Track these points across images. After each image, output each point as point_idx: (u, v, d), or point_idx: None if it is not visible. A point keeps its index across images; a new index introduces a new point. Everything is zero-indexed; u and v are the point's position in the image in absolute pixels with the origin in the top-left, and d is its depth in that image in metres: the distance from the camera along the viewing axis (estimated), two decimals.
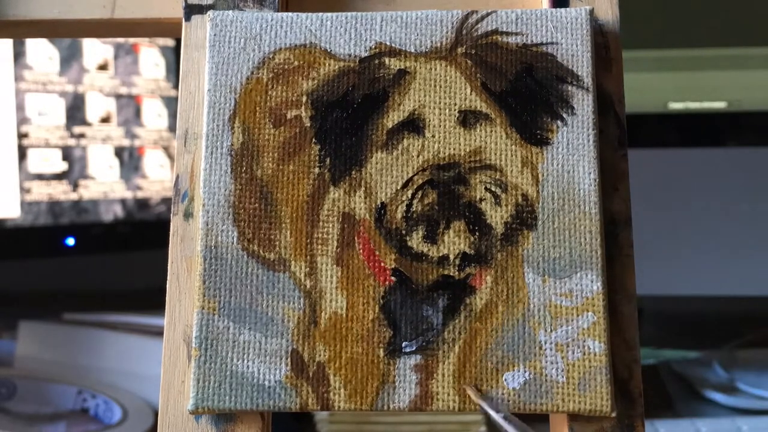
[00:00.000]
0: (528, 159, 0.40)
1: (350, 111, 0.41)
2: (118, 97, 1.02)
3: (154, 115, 1.04)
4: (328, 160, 0.40)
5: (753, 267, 1.05)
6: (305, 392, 0.38)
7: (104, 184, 1.00)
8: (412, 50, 0.41)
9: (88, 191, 0.99)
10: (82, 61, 0.99)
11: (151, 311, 0.88)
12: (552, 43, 0.41)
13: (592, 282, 0.39)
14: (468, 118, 0.40)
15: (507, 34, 0.41)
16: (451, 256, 0.39)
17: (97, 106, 1.00)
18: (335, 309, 0.39)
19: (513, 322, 0.39)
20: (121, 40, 1.01)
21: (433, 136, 0.40)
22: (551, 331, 0.39)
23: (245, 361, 0.39)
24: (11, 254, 0.97)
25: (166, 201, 1.04)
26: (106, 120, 1.00)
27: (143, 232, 1.03)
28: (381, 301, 0.39)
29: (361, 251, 0.40)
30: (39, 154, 0.95)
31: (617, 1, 0.43)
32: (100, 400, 0.80)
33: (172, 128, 1.05)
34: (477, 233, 0.39)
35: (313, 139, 0.41)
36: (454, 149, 0.40)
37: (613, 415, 0.38)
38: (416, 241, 0.39)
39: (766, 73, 0.99)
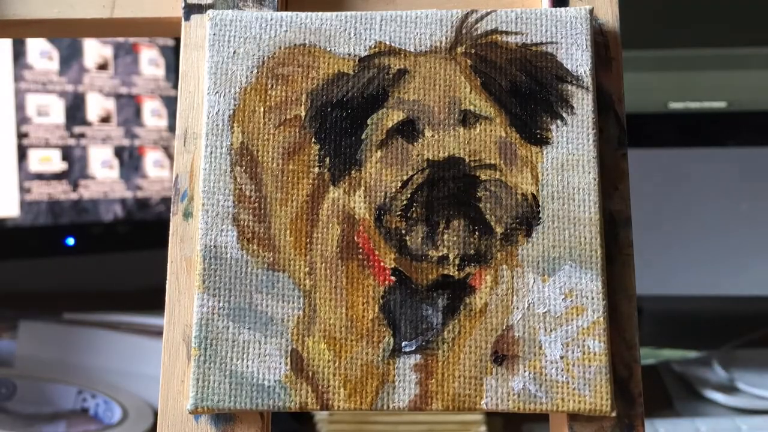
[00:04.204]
0: (528, 158, 0.40)
1: (350, 110, 0.41)
2: (118, 96, 1.02)
3: (154, 115, 1.04)
4: (327, 159, 0.40)
5: (753, 267, 1.05)
6: (305, 392, 0.38)
7: (104, 183, 1.00)
8: (412, 49, 0.41)
9: (88, 191, 0.99)
10: (82, 60, 0.99)
11: (151, 311, 0.88)
12: (552, 43, 0.41)
13: (591, 281, 0.39)
14: (468, 118, 0.40)
15: (507, 33, 0.41)
16: (451, 256, 0.39)
17: (97, 105, 1.00)
18: (335, 309, 0.39)
19: (512, 322, 0.39)
20: (121, 39, 1.01)
21: (433, 136, 0.40)
22: (551, 330, 0.39)
23: (245, 361, 0.39)
24: (11, 254, 0.97)
25: (166, 201, 1.04)
26: (106, 120, 1.00)
27: (143, 231, 1.03)
28: (380, 300, 0.39)
29: (360, 251, 0.40)
30: (39, 154, 0.95)
31: (617, 0, 0.43)
32: (100, 400, 0.80)
33: (172, 128, 1.05)
34: (477, 233, 0.39)
35: (313, 139, 0.41)
36: (453, 149, 0.40)
37: (613, 414, 0.38)
38: (416, 240, 0.39)
39: (766, 73, 0.99)
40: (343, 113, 0.41)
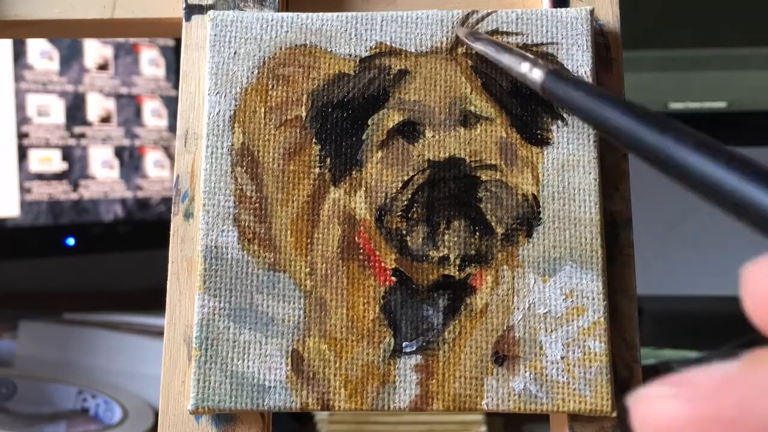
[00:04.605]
0: (528, 159, 0.40)
1: (350, 111, 0.41)
2: (118, 97, 1.02)
3: (155, 115, 1.04)
4: (328, 160, 0.40)
5: None
6: (305, 392, 0.38)
7: (104, 184, 1.00)
8: (413, 50, 0.41)
9: (88, 191, 0.99)
10: (82, 61, 0.99)
11: (151, 311, 0.88)
12: (552, 43, 0.41)
13: (592, 282, 0.39)
14: (468, 118, 0.40)
15: (507, 34, 0.41)
16: (452, 256, 0.39)
17: (97, 106, 1.00)
18: (335, 309, 0.39)
19: (513, 322, 0.39)
20: (121, 40, 1.01)
21: (434, 136, 0.40)
22: (552, 331, 0.39)
23: (245, 361, 0.39)
24: (11, 254, 0.97)
25: (166, 201, 1.04)
26: (106, 120, 1.01)
27: (143, 232, 1.03)
28: (381, 301, 0.39)
29: (361, 251, 0.40)
30: (39, 154, 0.95)
31: (617, 1, 0.43)
32: (100, 400, 0.80)
33: (172, 128, 1.05)
34: (477, 233, 0.39)
35: (314, 139, 0.41)
36: (454, 149, 0.40)
37: (614, 415, 0.38)
38: (416, 241, 0.39)
39: (766, 73, 0.99)
40: (344, 114, 0.41)
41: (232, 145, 0.41)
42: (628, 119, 0.28)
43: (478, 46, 0.39)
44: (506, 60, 0.37)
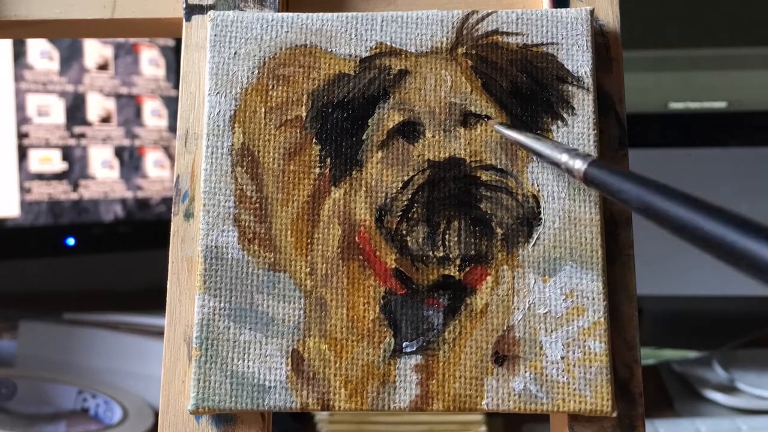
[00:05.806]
0: (528, 159, 0.40)
1: (351, 111, 0.41)
2: (118, 97, 1.02)
3: (155, 115, 1.04)
4: (328, 160, 0.40)
5: None
6: (305, 392, 0.38)
7: (104, 184, 1.00)
8: (413, 50, 0.41)
9: (88, 191, 0.99)
10: (82, 61, 0.99)
11: (151, 311, 0.88)
12: (552, 44, 0.41)
13: (592, 282, 0.39)
14: (468, 119, 0.40)
15: (507, 34, 0.41)
16: (452, 256, 0.39)
17: (97, 106, 1.00)
18: (336, 309, 0.39)
19: (513, 323, 0.39)
20: (121, 40, 1.01)
21: (434, 137, 0.40)
22: (552, 331, 0.39)
23: (246, 361, 0.39)
24: (11, 254, 0.97)
25: (166, 201, 1.04)
26: (106, 120, 1.01)
27: (143, 232, 1.03)
28: (381, 301, 0.39)
29: (361, 251, 0.40)
30: (39, 154, 0.95)
31: (617, 1, 0.43)
32: (100, 400, 0.80)
33: (172, 128, 1.05)
34: (477, 233, 0.39)
35: (314, 140, 0.41)
36: (454, 149, 0.40)
37: (614, 415, 0.38)
38: (417, 241, 0.39)
39: (766, 73, 0.99)
40: (344, 114, 0.41)
41: (233, 145, 0.41)
42: (671, 203, 0.29)
43: (512, 135, 0.39)
44: (543, 149, 0.38)
